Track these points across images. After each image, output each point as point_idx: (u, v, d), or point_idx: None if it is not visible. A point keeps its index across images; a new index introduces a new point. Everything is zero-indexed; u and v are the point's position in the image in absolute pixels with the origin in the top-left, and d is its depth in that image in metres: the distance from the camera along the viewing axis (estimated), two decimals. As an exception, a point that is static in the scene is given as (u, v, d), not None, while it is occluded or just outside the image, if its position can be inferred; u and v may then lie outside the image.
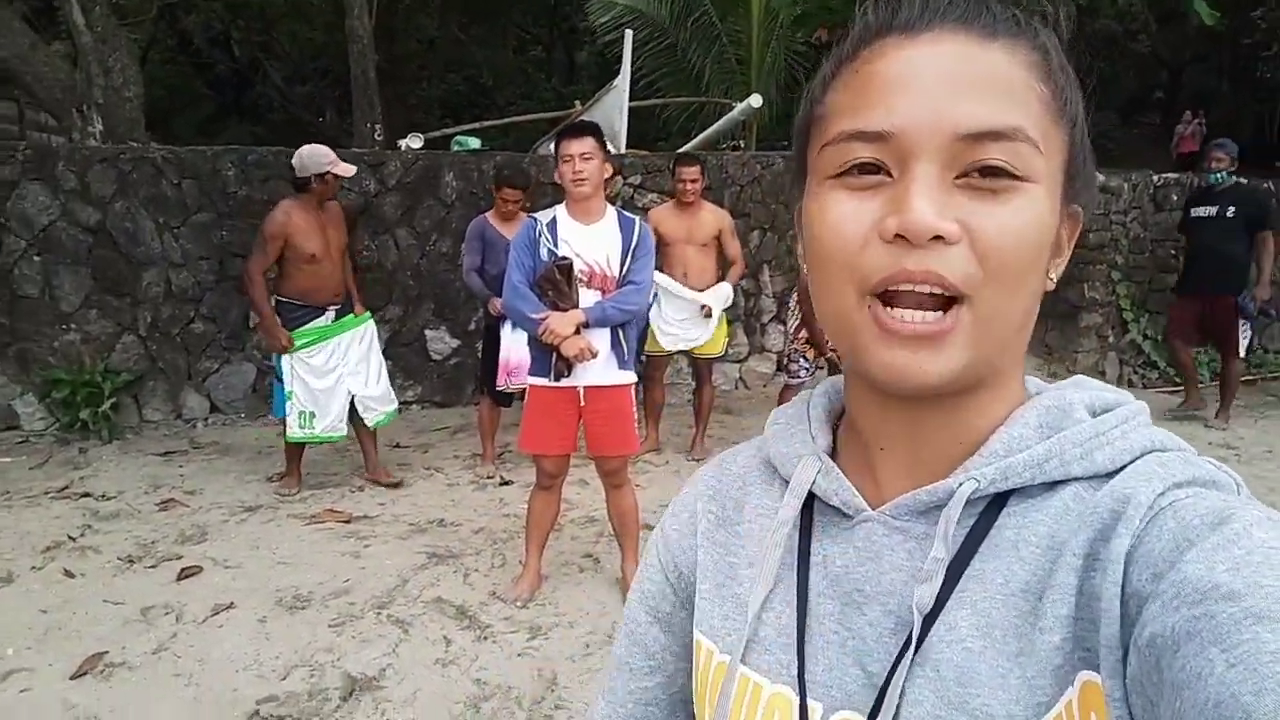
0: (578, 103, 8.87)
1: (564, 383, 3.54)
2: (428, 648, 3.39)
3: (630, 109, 7.79)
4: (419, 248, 6.95)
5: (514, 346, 4.95)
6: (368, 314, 5.29)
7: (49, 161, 6.17)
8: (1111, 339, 8.23)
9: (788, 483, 0.69)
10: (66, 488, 5.21)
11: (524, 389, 3.93)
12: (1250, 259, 6.51)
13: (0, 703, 3.05)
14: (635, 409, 3.73)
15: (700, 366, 5.81)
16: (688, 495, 0.79)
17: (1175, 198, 8.27)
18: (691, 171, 5.37)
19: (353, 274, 5.25)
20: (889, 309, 0.56)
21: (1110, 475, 0.57)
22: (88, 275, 6.30)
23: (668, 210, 5.57)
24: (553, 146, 6.61)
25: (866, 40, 0.59)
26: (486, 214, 5.32)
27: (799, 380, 5.38)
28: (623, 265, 3.55)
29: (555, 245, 3.51)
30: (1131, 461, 0.57)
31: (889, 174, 0.56)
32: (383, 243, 6.86)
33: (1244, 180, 7.02)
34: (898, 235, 0.54)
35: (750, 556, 0.69)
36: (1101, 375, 8.17)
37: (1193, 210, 6.81)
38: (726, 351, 5.95)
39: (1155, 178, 8.29)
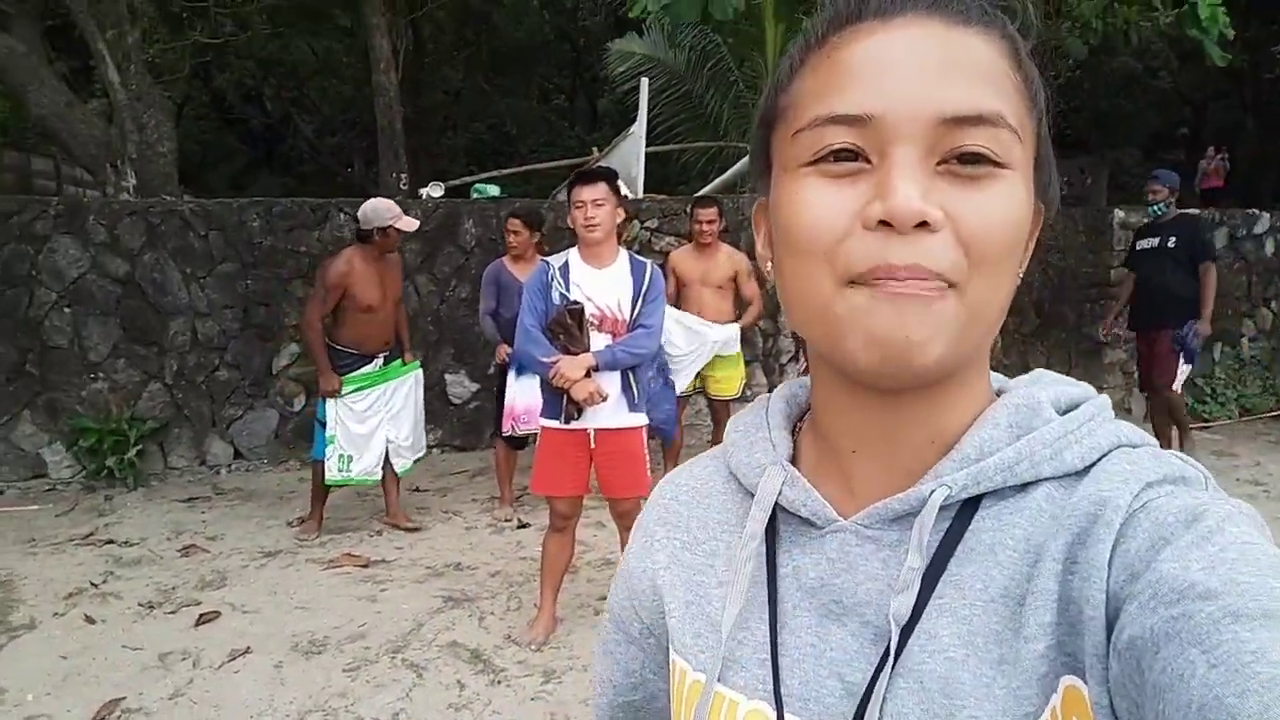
0: (595, 149, 9.00)
1: (574, 425, 3.57)
2: (441, 692, 3.38)
3: (649, 154, 7.90)
4: (439, 294, 7.04)
5: (519, 392, 5.01)
6: (416, 362, 5.38)
7: (80, 215, 6.35)
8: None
9: (752, 494, 0.66)
10: (91, 535, 5.28)
11: (537, 433, 3.96)
12: (1194, 292, 6.19)
13: (18, 749, 3.08)
14: (647, 451, 3.74)
15: (718, 408, 5.81)
16: (644, 518, 0.77)
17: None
18: (709, 213, 5.43)
19: (406, 322, 5.35)
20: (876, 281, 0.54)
21: (1080, 473, 0.56)
22: (116, 325, 6.44)
23: (686, 252, 5.64)
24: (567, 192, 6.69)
25: (837, 26, 0.57)
26: (503, 259, 5.40)
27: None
28: (634, 309, 3.59)
29: (567, 289, 3.56)
30: (1101, 458, 0.56)
31: (867, 160, 0.54)
32: (403, 289, 6.95)
33: (1189, 211, 6.93)
34: (881, 222, 0.52)
35: (720, 575, 0.68)
36: (1128, 413, 8.07)
37: (1138, 243, 6.57)
38: (745, 393, 5.95)
39: (1176, 213, 8.23)
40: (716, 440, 5.83)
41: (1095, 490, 0.54)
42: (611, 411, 3.57)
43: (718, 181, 8.61)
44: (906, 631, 0.56)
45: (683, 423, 6.03)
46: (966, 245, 0.52)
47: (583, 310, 3.53)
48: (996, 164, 0.53)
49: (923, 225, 0.51)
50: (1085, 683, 0.50)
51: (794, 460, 0.67)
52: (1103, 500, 0.53)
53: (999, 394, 0.63)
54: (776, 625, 0.63)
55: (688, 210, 6.10)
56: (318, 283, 4.97)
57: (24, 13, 9.98)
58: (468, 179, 8.93)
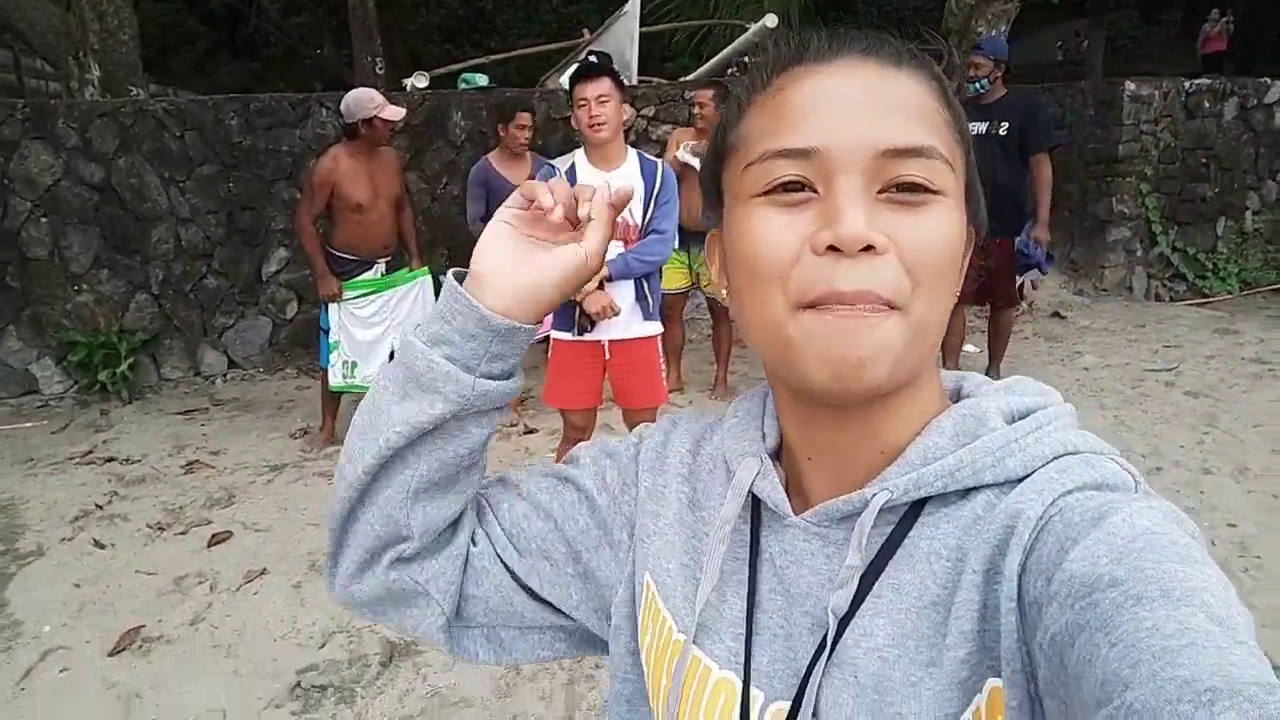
0: (586, 31, 8.56)
1: (587, 337, 3.45)
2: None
3: (640, 35, 7.51)
4: (429, 191, 6.79)
5: None
6: (425, 269, 5.13)
7: (49, 118, 6.01)
8: (1139, 253, 8.03)
9: None
10: (90, 452, 5.19)
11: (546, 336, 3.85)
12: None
13: (41, 682, 3.05)
14: (661, 358, 3.64)
15: (715, 305, 5.67)
16: (671, 443, 0.79)
17: (1208, 104, 7.96)
18: (706, 94, 5.14)
19: (412, 226, 5.11)
20: (825, 306, 0.57)
21: (1018, 481, 0.59)
22: (96, 235, 6.20)
23: (688, 135, 5.33)
24: (563, 81, 6.36)
25: (779, 70, 0.62)
26: (488, 156, 5.13)
27: None
28: (646, 213, 3.42)
29: None
30: (1042, 467, 0.59)
31: (814, 190, 0.58)
32: (405, 193, 6.70)
33: (1021, 87, 6.02)
34: (830, 247, 0.55)
35: (708, 546, 0.72)
36: (1129, 291, 8.01)
37: None
38: None
39: (1187, 84, 7.98)
40: (717, 337, 5.74)
41: (1014, 502, 0.57)
42: (625, 321, 3.46)
43: (711, 63, 8.24)
44: (843, 625, 0.61)
45: (684, 318, 5.92)
46: (910, 267, 0.56)
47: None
48: (932, 191, 0.58)
49: (868, 249, 0.55)
50: None
51: (779, 451, 0.71)
52: (1017, 511, 0.56)
53: (956, 395, 0.69)
54: (753, 604, 0.68)
55: (685, 97, 5.83)
56: (305, 183, 4.75)
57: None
58: (451, 67, 8.50)
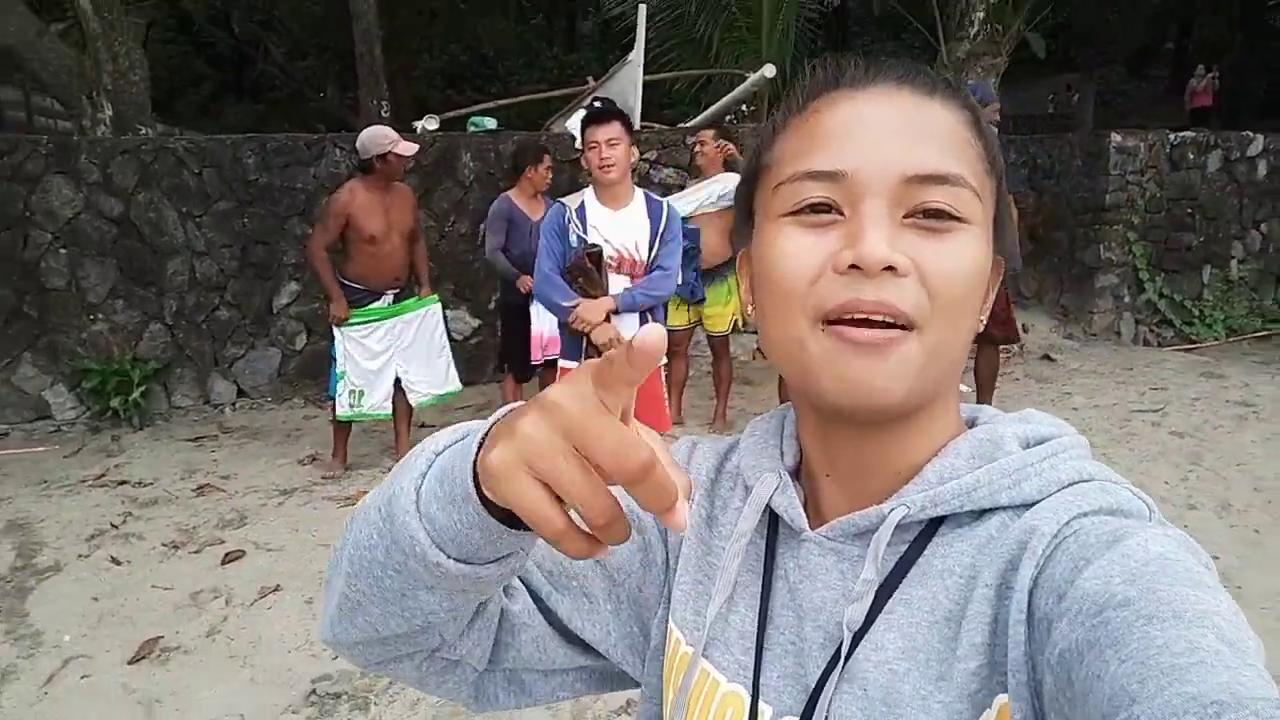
0: (590, 79, 8.83)
1: (595, 366, 3.61)
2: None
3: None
4: (438, 229, 6.99)
5: (546, 321, 5.01)
6: (434, 297, 5.30)
7: (72, 154, 6.22)
8: (1127, 299, 8.24)
9: None
10: (103, 475, 5.31)
11: (550, 362, 3.97)
12: None
13: (63, 688, 3.15)
14: (665, 390, 3.79)
15: (714, 342, 5.84)
16: (696, 460, 0.79)
17: (1192, 155, 8.24)
18: (707, 133, 5.38)
19: (424, 258, 5.27)
20: (843, 325, 0.58)
21: (1033, 505, 0.60)
22: (113, 266, 6.37)
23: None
24: (568, 126, 6.58)
25: (815, 94, 0.64)
26: (509, 194, 5.35)
27: None
28: (651, 250, 3.60)
29: (585, 232, 3.55)
30: (1057, 492, 0.60)
31: (840, 212, 0.59)
32: (419, 227, 6.90)
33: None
34: (852, 266, 0.57)
35: (723, 560, 0.73)
36: (1117, 335, 8.20)
37: None
38: (738, 327, 5.98)
39: (1172, 136, 8.26)
40: (717, 373, 5.89)
41: (1029, 521, 0.58)
42: None
43: (711, 110, 8.49)
44: (856, 640, 0.61)
45: (687, 354, 6.08)
46: (931, 291, 0.58)
47: (601, 253, 3.54)
48: (957, 219, 0.59)
49: (889, 270, 0.57)
50: None
51: (798, 469, 0.72)
52: (1032, 528, 0.57)
53: (972, 424, 0.68)
54: (765, 619, 0.68)
55: (685, 142, 6.03)
56: (321, 212, 4.94)
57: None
58: (461, 111, 8.76)
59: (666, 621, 0.75)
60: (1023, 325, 7.94)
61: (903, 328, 0.58)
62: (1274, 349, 8.03)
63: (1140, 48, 20.25)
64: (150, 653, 3.34)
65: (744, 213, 0.69)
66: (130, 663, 3.28)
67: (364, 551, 0.59)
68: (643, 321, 3.60)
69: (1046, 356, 7.69)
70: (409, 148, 4.90)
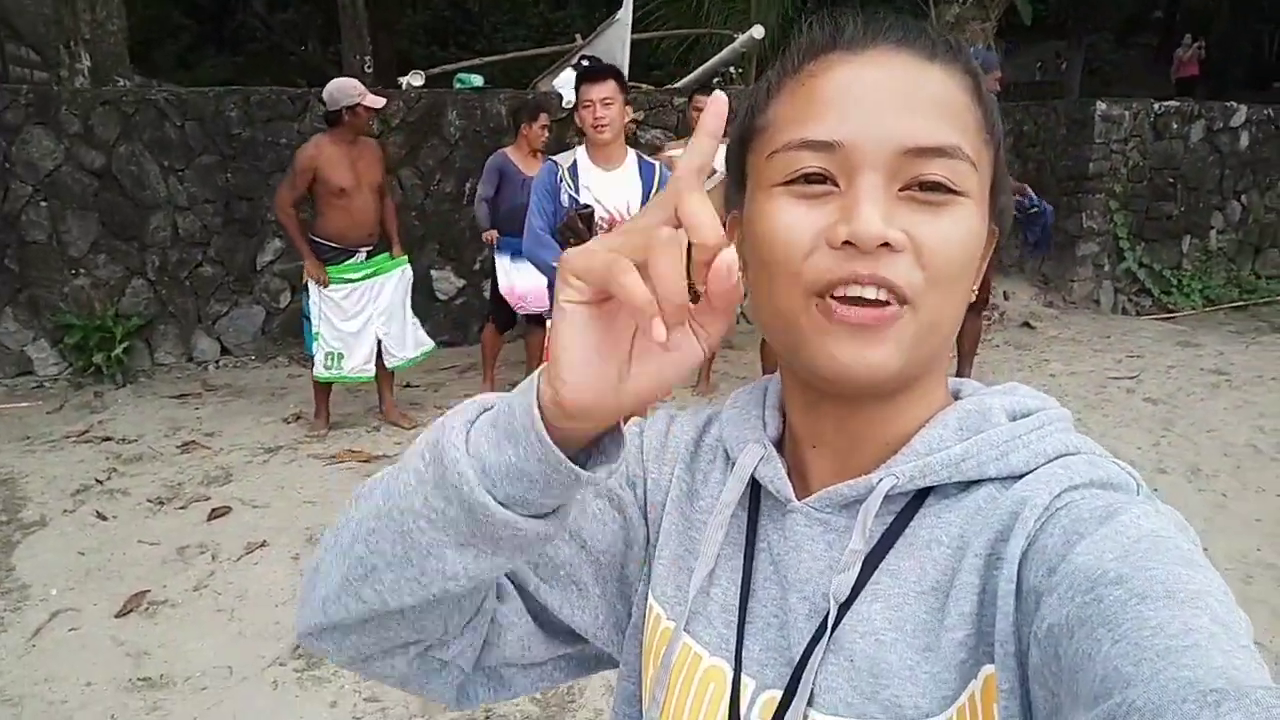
0: (578, 36, 8.76)
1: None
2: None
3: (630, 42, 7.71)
4: (423, 188, 6.96)
5: (518, 276, 5.03)
6: (404, 258, 5.26)
7: (51, 105, 6.13)
8: (1107, 268, 8.32)
9: None
10: (86, 431, 5.31)
11: (536, 315, 3.99)
12: None
13: (51, 640, 3.19)
14: None
15: None
16: (675, 431, 0.78)
17: (1175, 125, 8.28)
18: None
19: (393, 215, 5.23)
20: (834, 304, 0.57)
21: (1021, 477, 0.60)
22: (95, 220, 6.32)
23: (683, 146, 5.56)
24: (555, 84, 6.53)
25: (812, 55, 0.61)
26: (506, 150, 5.35)
27: None
28: None
29: (576, 191, 3.56)
30: (1045, 464, 0.59)
31: (835, 184, 0.58)
32: (386, 183, 6.86)
33: None
34: (846, 242, 0.56)
35: (705, 533, 0.72)
36: (1096, 304, 8.29)
37: None
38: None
39: (1157, 105, 8.29)
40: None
41: (1020, 491, 0.58)
42: None
43: (699, 71, 8.45)
44: (841, 611, 0.61)
45: None
46: (926, 265, 0.57)
47: (593, 213, 3.55)
48: (954, 192, 0.58)
49: (884, 246, 0.56)
50: None
51: (781, 441, 0.71)
52: (1023, 499, 0.57)
53: (956, 396, 0.68)
54: (748, 593, 0.68)
55: (673, 103, 6.01)
56: (288, 172, 4.90)
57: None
58: (447, 68, 8.67)
59: (646, 598, 0.74)
60: (1004, 293, 8.02)
61: (896, 302, 0.57)
62: (1249, 319, 8.15)
63: (1129, 16, 20.18)
64: (138, 606, 3.38)
65: (736, 174, 0.67)
66: (118, 616, 3.32)
67: (397, 500, 0.56)
68: None
69: (1026, 324, 7.78)
70: (377, 100, 4.86)
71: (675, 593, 0.71)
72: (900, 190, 0.57)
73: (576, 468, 0.52)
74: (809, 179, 0.58)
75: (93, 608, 3.38)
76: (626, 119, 3.65)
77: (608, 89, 3.52)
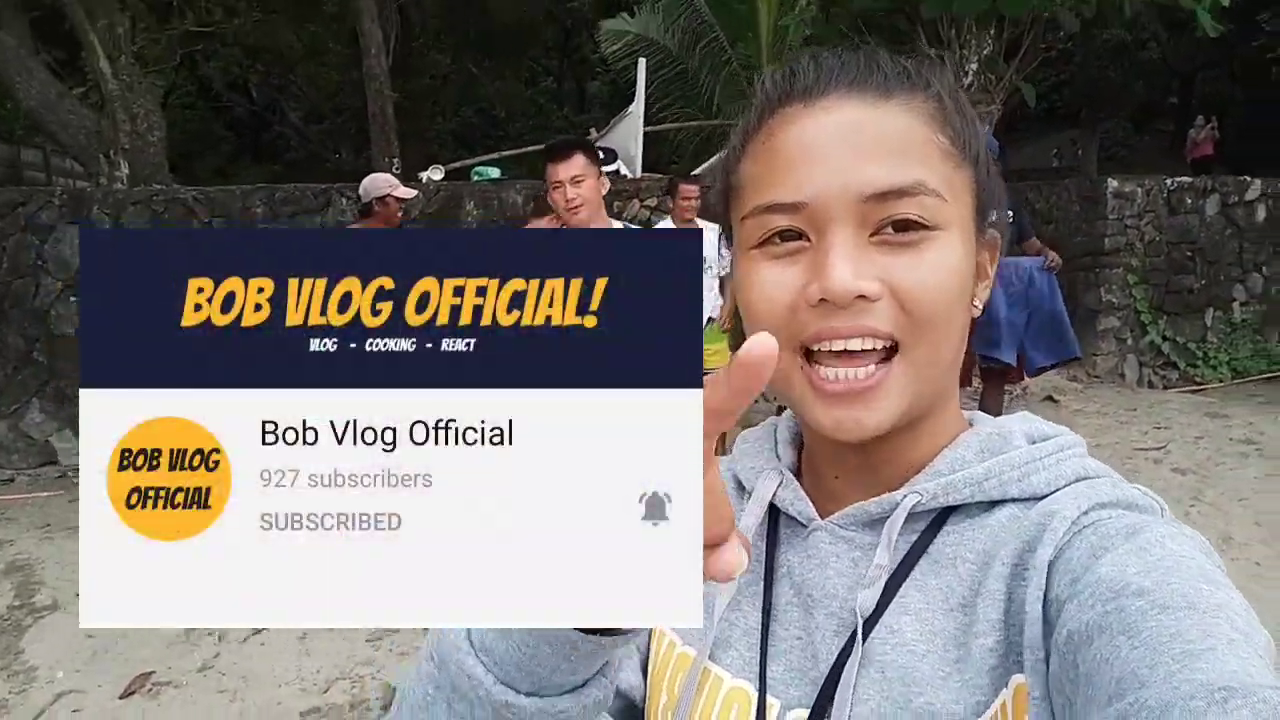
0: (593, 130, 9.03)
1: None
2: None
3: (644, 134, 7.94)
4: (441, 275, 7.10)
5: None
6: None
7: (84, 205, 6.39)
8: (1130, 341, 8.25)
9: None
10: (106, 519, 5.33)
11: None
12: None
13: (53, 722, 3.16)
14: None
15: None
16: None
17: (1189, 201, 8.30)
18: (691, 189, 5.28)
19: None
20: (820, 368, 0.59)
21: (1043, 498, 0.61)
22: (121, 313, 6.49)
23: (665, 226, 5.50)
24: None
25: (770, 110, 0.63)
26: (536, 222, 5.39)
27: None
28: None
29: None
30: (1065, 486, 0.61)
31: (807, 238, 0.59)
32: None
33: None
34: (822, 299, 0.57)
35: None
36: (1121, 378, 8.18)
37: None
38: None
39: (1169, 181, 8.33)
40: None
41: (1047, 505, 0.59)
42: None
43: (712, 161, 8.65)
44: (869, 625, 0.61)
45: None
46: (907, 307, 0.57)
47: None
48: (926, 226, 0.58)
49: (861, 298, 0.56)
50: None
51: (797, 473, 0.73)
52: (1051, 512, 0.57)
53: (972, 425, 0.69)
54: (769, 616, 0.68)
55: (665, 191, 5.97)
56: None
57: (10, 4, 9.95)
58: (466, 161, 8.95)
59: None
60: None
61: (888, 349, 0.58)
62: (1279, 390, 8.00)
63: (1143, 103, 20.50)
64: (141, 687, 3.34)
65: (725, 231, 0.69)
66: (121, 697, 3.29)
67: (420, 715, 0.51)
68: None
69: (1050, 398, 7.67)
70: (407, 192, 5.13)
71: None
72: (872, 236, 0.58)
73: (595, 637, 0.45)
74: (783, 236, 0.60)
75: (97, 689, 3.35)
76: (604, 190, 3.43)
77: (576, 166, 3.26)
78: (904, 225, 0.58)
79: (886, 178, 0.57)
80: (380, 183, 5.05)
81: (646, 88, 8.53)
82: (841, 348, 0.57)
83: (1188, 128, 16.97)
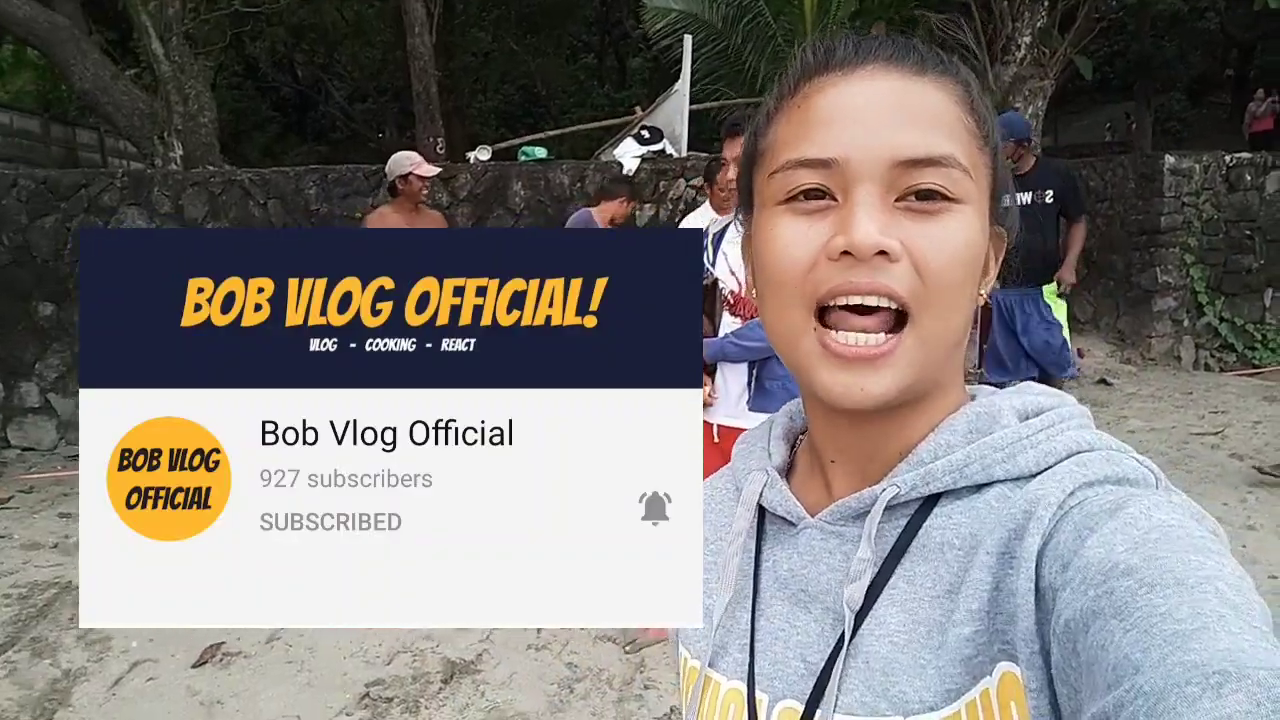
0: (638, 108, 9.01)
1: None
2: (520, 634, 3.54)
3: (689, 112, 7.90)
4: (490, 256, 7.15)
5: None
6: None
7: (145, 186, 6.53)
8: (1186, 323, 8.10)
9: None
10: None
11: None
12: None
13: (130, 690, 3.28)
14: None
15: None
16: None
17: (1249, 177, 8.10)
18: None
19: None
20: (833, 331, 0.60)
21: (1033, 477, 0.60)
22: (181, 293, 6.64)
23: (704, 213, 5.33)
24: (616, 154, 6.56)
25: (807, 77, 0.64)
26: (591, 210, 5.42)
27: None
28: None
29: (714, 260, 3.11)
30: (1058, 463, 0.60)
31: (833, 198, 0.60)
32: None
33: (1050, 159, 5.73)
34: (844, 253, 0.58)
35: (720, 571, 0.74)
36: (1177, 360, 8.05)
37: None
38: None
39: (1228, 158, 8.14)
40: None
41: (1034, 490, 0.58)
42: (732, 406, 3.11)
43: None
44: (860, 617, 0.62)
45: None
46: (922, 273, 0.58)
47: (715, 284, 3.14)
48: (949, 199, 0.59)
49: (882, 254, 0.58)
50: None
51: (790, 468, 0.74)
52: (1037, 498, 0.57)
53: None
54: (756, 614, 0.69)
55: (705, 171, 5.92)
56: None
57: (63, -14, 10.14)
58: (512, 141, 8.98)
59: (679, 651, 0.77)
60: (1078, 350, 7.83)
61: (898, 318, 0.59)
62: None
63: (1199, 75, 19.96)
64: (213, 657, 3.46)
65: (745, 198, 0.70)
66: (194, 666, 3.41)
67: None
68: (749, 376, 3.07)
69: (1103, 381, 7.58)
70: (429, 169, 5.11)
71: (694, 633, 0.74)
72: (896, 201, 0.59)
73: None
74: (808, 195, 0.61)
75: (170, 659, 3.47)
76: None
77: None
78: (928, 194, 0.59)
79: (921, 146, 0.59)
80: (403, 161, 5.06)
81: (691, 65, 8.47)
82: (858, 302, 0.59)
83: (1246, 101, 16.52)
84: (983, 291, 0.65)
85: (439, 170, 5.35)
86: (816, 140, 0.61)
